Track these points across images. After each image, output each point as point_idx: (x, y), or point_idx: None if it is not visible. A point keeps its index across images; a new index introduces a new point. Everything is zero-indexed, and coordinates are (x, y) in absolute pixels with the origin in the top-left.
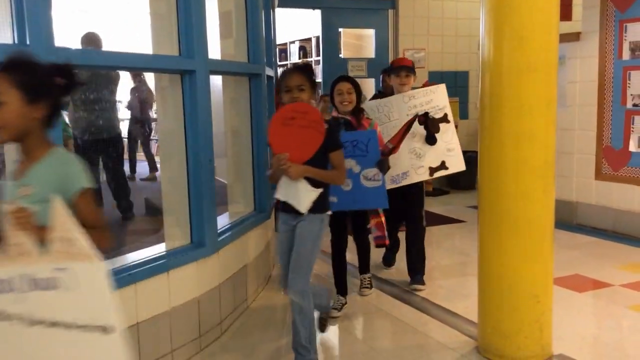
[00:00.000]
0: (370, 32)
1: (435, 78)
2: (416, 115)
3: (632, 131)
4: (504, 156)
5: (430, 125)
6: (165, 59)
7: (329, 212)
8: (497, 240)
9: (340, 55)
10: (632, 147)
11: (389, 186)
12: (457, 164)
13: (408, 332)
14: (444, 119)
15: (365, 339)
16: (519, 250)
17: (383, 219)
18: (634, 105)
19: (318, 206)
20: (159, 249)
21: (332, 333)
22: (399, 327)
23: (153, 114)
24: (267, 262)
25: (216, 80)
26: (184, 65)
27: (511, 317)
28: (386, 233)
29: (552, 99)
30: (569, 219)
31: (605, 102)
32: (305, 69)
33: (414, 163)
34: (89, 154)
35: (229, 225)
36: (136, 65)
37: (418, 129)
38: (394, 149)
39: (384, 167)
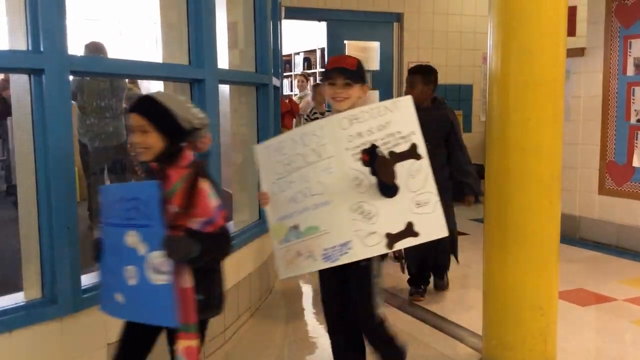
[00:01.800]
0: (375, 45)
1: (439, 91)
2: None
3: (636, 146)
4: (511, 168)
5: (380, 167)
6: (175, 68)
7: None
8: (502, 252)
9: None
10: (636, 163)
11: (321, 265)
12: (433, 227)
13: (411, 343)
14: (412, 153)
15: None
16: (524, 262)
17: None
18: (638, 120)
19: None
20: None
21: None
22: (403, 339)
23: None
24: (271, 271)
25: (222, 89)
26: (194, 74)
27: (515, 329)
28: None
29: (559, 112)
30: (572, 233)
31: (609, 117)
32: None
33: (360, 228)
34: (98, 160)
35: (234, 234)
36: (146, 73)
37: (365, 171)
38: (181, 219)
39: (173, 249)
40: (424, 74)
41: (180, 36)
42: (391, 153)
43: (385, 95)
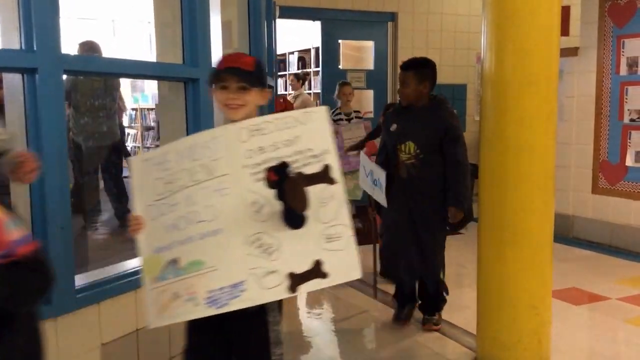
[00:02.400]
0: (370, 44)
1: (435, 90)
2: None
3: (629, 146)
4: (505, 168)
5: (291, 190)
6: (170, 67)
7: None
8: (496, 251)
9: (339, 67)
10: (629, 162)
11: (204, 312)
12: (344, 267)
13: (407, 343)
14: (324, 176)
15: (364, 350)
16: (518, 261)
17: None
18: (631, 120)
19: None
20: None
21: (332, 344)
22: (398, 338)
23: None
24: None
25: None
26: (188, 74)
27: (510, 329)
28: None
29: (553, 112)
30: (566, 233)
31: (603, 117)
32: None
33: (258, 265)
34: (92, 160)
35: None
36: (140, 72)
37: (267, 195)
38: None
39: None
40: (417, 69)
41: (174, 35)
42: (299, 175)
43: (380, 94)
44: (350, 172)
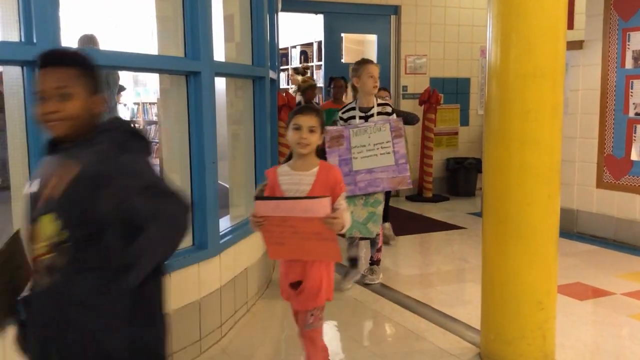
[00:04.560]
0: (373, 38)
1: (436, 84)
2: None
3: (634, 140)
4: (509, 161)
5: None
6: (171, 60)
7: None
8: (501, 246)
9: (342, 60)
10: (634, 156)
11: None
12: None
13: (410, 338)
14: None
15: (366, 345)
16: (522, 255)
17: None
18: (636, 114)
19: None
20: None
21: (334, 339)
22: (401, 333)
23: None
24: (268, 265)
25: (218, 83)
26: (190, 67)
27: (514, 324)
28: None
29: (558, 105)
30: (570, 227)
31: (608, 111)
32: None
33: None
34: None
35: (230, 228)
36: (141, 65)
37: None
38: None
39: None
40: (83, 66)
41: (176, 28)
42: None
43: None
44: (360, 195)
